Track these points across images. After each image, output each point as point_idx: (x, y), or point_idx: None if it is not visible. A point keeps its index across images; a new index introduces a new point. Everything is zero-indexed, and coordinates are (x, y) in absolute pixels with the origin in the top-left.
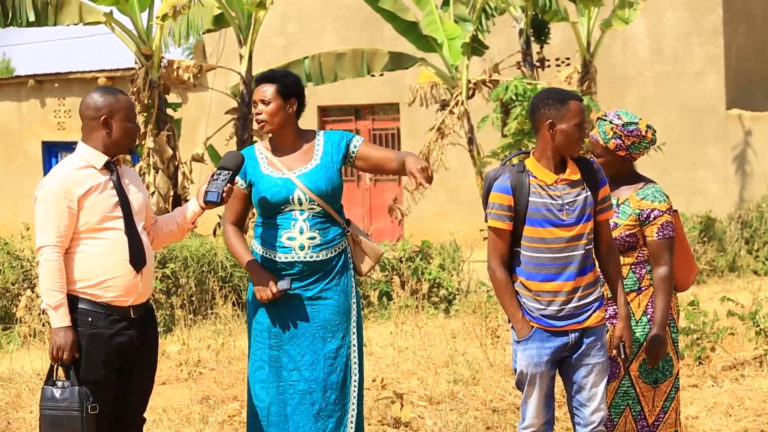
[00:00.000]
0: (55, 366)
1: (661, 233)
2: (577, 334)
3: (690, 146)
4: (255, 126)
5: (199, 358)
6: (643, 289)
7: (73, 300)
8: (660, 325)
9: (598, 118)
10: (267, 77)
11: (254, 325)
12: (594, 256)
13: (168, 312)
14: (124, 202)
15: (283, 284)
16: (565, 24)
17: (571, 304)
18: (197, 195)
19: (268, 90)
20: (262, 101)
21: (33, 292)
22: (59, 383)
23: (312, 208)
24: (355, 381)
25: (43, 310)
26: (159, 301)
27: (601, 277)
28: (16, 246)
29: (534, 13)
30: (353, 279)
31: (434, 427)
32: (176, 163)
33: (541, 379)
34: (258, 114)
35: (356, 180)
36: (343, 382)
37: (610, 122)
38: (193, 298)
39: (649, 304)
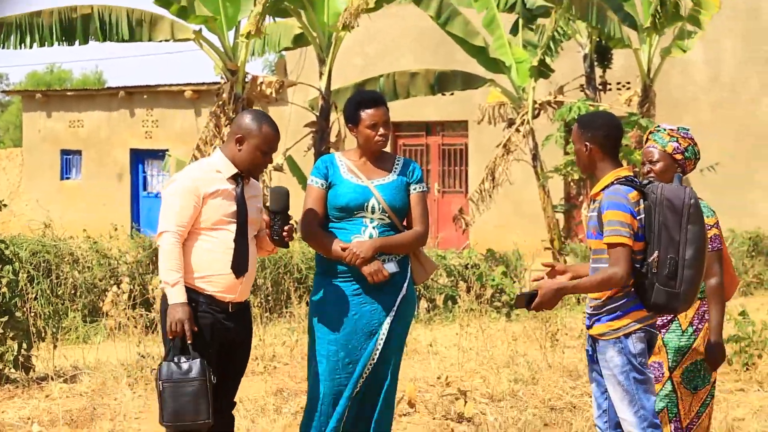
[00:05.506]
0: (172, 343)
1: (711, 245)
2: (590, 339)
3: (743, 169)
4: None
5: (274, 353)
6: None
7: None
8: (717, 333)
9: (650, 132)
10: (381, 100)
11: (316, 321)
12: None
13: None
14: (241, 213)
15: (391, 267)
16: (628, 50)
17: (587, 310)
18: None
19: (386, 113)
20: (386, 123)
21: (119, 288)
22: (176, 359)
23: (382, 219)
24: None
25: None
26: None
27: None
28: (104, 245)
29: (598, 39)
30: (411, 286)
31: (495, 422)
32: None
33: (588, 369)
34: (383, 135)
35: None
36: (388, 378)
37: (665, 129)
38: (270, 298)
39: (695, 315)
